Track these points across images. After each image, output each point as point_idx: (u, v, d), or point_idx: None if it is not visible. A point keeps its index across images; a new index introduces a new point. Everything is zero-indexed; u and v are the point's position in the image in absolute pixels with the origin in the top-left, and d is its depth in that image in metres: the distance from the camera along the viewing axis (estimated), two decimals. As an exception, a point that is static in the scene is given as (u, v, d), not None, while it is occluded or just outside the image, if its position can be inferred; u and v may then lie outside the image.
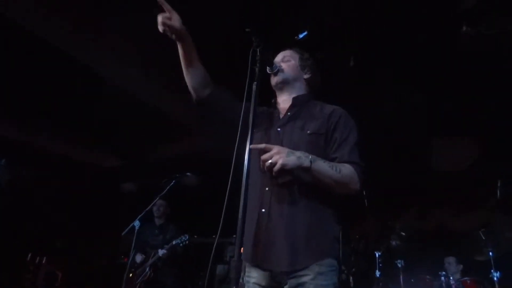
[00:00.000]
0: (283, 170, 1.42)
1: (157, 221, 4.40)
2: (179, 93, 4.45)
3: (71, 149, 6.09)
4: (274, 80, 1.81)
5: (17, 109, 4.86)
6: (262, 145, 1.47)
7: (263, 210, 1.54)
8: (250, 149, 1.36)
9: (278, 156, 1.43)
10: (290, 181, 1.55)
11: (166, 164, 5.92)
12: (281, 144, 1.58)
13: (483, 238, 4.09)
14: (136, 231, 3.36)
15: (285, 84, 1.81)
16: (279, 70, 1.78)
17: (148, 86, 4.37)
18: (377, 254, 4.26)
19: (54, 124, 5.38)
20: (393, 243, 4.36)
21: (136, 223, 3.36)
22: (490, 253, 3.93)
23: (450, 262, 4.42)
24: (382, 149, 5.04)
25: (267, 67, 1.73)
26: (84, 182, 6.21)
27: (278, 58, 1.86)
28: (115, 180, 6.53)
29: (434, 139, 5.26)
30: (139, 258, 3.99)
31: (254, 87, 1.48)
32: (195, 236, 4.28)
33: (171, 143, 5.89)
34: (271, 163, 1.42)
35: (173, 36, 1.62)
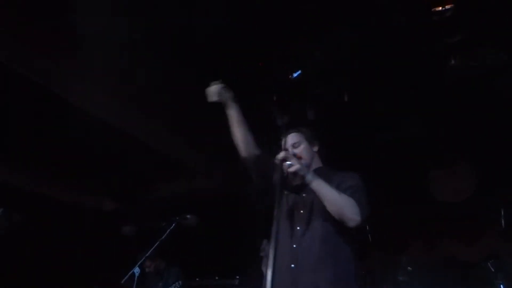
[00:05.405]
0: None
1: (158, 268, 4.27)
2: (178, 133, 4.50)
3: (68, 194, 6.04)
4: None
5: (11, 155, 4.86)
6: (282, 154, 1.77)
7: (292, 265, 1.74)
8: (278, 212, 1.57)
9: (297, 163, 1.77)
10: (314, 239, 1.78)
11: (166, 204, 5.86)
12: (308, 209, 1.88)
13: (492, 270, 4.00)
14: (136, 278, 3.26)
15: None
16: (299, 158, 1.94)
17: (146, 127, 4.41)
18: (384, 291, 4.14)
19: (50, 168, 5.37)
20: (400, 278, 4.25)
21: (136, 270, 3.26)
22: (501, 286, 3.83)
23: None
24: (383, 182, 5.03)
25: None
26: (82, 227, 6.10)
27: (287, 145, 2.03)
28: (114, 224, 6.42)
29: (435, 170, 5.27)
30: None
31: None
32: (197, 279, 4.15)
33: (171, 183, 5.86)
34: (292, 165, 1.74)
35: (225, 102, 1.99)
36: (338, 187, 1.85)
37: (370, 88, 3.93)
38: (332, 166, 2.09)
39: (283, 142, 2.00)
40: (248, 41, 3.32)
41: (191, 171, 5.36)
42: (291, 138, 2.08)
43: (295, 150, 2.02)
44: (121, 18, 3.03)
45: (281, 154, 1.75)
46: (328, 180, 1.89)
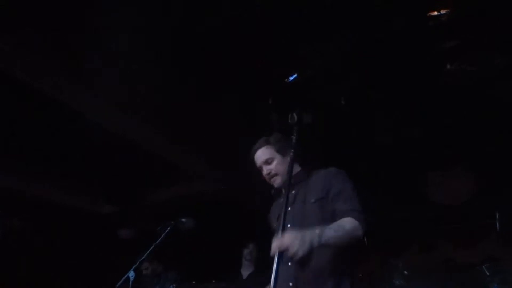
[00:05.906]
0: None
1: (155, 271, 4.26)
2: (176, 137, 4.49)
3: (65, 197, 6.01)
4: (276, 184, 1.97)
5: (9, 158, 4.83)
6: (276, 243, 1.59)
7: (291, 284, 1.70)
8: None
9: (296, 248, 1.55)
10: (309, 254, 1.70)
11: (164, 208, 5.85)
12: (297, 222, 1.79)
13: (489, 273, 3.99)
14: (131, 282, 3.23)
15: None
16: (275, 175, 1.95)
17: (145, 131, 4.40)
18: (381, 295, 4.13)
19: (49, 172, 5.35)
20: (397, 282, 4.24)
21: (131, 274, 3.23)
22: (497, 289, 3.82)
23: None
24: (380, 184, 5.04)
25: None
26: (79, 230, 6.07)
27: (260, 162, 2.00)
28: (111, 227, 6.40)
29: (433, 173, 5.28)
30: None
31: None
32: (194, 282, 4.13)
33: (169, 187, 5.85)
34: (294, 254, 1.56)
35: None
36: (328, 194, 1.81)
37: (367, 91, 3.94)
38: (310, 165, 2.01)
39: (254, 159, 2.00)
40: (247, 44, 3.33)
41: (189, 175, 5.35)
42: (262, 154, 1.98)
43: (269, 167, 1.95)
44: (124, 23, 3.04)
45: (274, 248, 1.57)
46: (312, 186, 1.87)
